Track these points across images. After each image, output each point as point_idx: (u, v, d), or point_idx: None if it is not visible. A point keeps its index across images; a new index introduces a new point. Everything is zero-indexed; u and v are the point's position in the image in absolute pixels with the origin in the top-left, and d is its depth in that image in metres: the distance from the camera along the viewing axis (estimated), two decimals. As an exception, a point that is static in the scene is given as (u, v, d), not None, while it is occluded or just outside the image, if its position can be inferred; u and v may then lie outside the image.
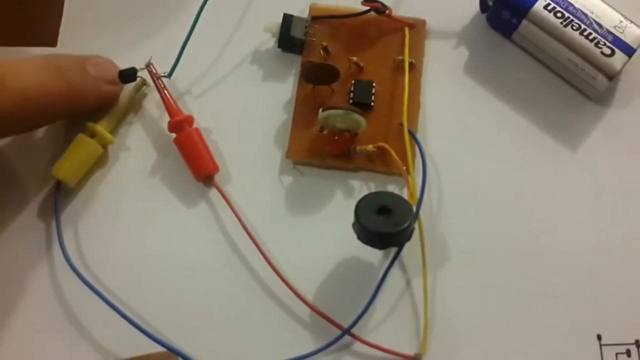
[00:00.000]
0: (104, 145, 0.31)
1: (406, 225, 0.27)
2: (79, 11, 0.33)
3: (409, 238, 0.28)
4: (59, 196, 0.30)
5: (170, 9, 0.33)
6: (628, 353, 0.28)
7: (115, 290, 0.29)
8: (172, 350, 0.28)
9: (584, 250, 0.30)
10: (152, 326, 0.28)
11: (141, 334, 0.28)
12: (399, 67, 0.32)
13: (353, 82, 0.32)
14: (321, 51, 0.32)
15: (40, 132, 0.31)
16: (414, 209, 0.28)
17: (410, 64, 0.32)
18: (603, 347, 0.28)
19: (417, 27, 0.33)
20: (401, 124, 0.31)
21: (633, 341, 0.28)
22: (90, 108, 0.31)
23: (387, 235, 0.27)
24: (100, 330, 0.28)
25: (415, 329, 0.28)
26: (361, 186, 0.31)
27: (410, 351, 0.28)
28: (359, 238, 0.27)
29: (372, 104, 0.32)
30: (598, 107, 0.32)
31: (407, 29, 0.33)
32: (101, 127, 0.30)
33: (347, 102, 0.32)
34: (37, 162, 0.31)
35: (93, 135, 0.30)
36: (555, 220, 0.30)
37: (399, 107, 0.31)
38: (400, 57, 0.32)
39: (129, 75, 0.31)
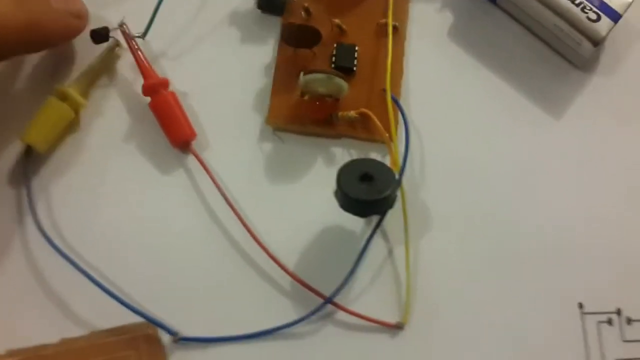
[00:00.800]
0: (76, 109, 0.29)
1: (388, 192, 0.26)
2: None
3: (391, 206, 0.27)
4: (29, 162, 0.29)
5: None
6: (609, 321, 0.28)
7: (91, 260, 0.28)
8: (150, 321, 0.27)
9: (566, 218, 0.30)
10: (130, 296, 0.28)
11: (119, 305, 0.27)
12: (382, 31, 0.31)
13: (335, 45, 0.31)
14: (303, 13, 0.31)
15: (8, 96, 0.30)
16: (397, 176, 0.27)
17: (394, 28, 0.31)
18: (584, 316, 0.28)
19: (401, -10, 0.32)
20: (384, 90, 0.30)
21: (615, 309, 0.29)
22: (52, 42, 0.29)
23: (369, 203, 0.26)
24: (77, 301, 0.28)
25: (397, 297, 0.28)
26: (343, 153, 0.30)
27: (392, 320, 0.28)
28: (341, 206, 0.27)
29: (355, 68, 0.31)
30: (583, 74, 0.32)
31: (391, -9, 0.32)
32: (72, 90, 0.29)
33: (329, 66, 0.31)
34: (4, 127, 0.29)
35: (64, 98, 0.29)
36: (538, 188, 0.30)
37: (382, 72, 0.30)
38: (384, 20, 0.31)
39: (101, 35, 0.29)
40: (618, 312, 0.29)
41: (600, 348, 0.28)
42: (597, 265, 0.29)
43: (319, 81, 0.29)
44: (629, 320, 0.28)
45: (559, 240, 0.29)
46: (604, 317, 0.28)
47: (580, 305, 0.29)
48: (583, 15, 0.30)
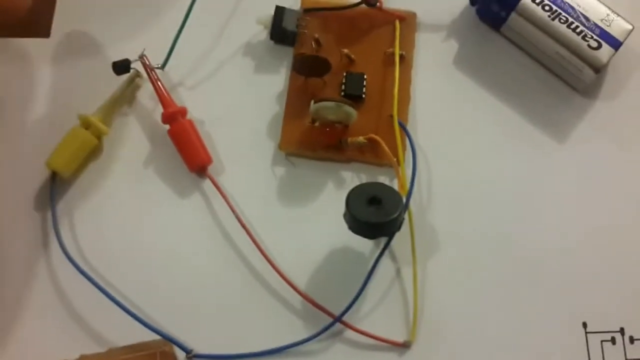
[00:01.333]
0: (98, 136, 0.31)
1: (396, 215, 0.27)
2: (72, 2, 0.33)
3: (399, 228, 0.28)
4: (54, 187, 0.30)
5: (163, 0, 0.34)
6: (613, 341, 0.29)
7: (111, 280, 0.29)
8: (166, 338, 0.28)
9: (570, 240, 0.30)
10: (147, 315, 0.29)
11: (136, 323, 0.28)
12: (389, 60, 0.33)
13: (345, 74, 0.32)
14: (313, 43, 0.33)
15: (35, 123, 0.32)
16: (404, 199, 0.29)
17: (401, 57, 0.33)
18: (588, 335, 0.29)
19: (407, 20, 0.33)
20: (392, 116, 0.31)
21: (618, 329, 0.29)
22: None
23: (377, 225, 0.27)
24: (96, 319, 0.29)
25: (404, 317, 0.29)
26: (352, 177, 0.31)
27: (399, 338, 0.28)
28: (350, 228, 0.28)
29: (364, 96, 0.32)
30: (585, 99, 0.33)
31: (397, 22, 0.33)
32: (95, 118, 0.31)
33: (338, 94, 0.32)
34: (32, 155, 0.31)
35: (87, 126, 0.31)
36: (542, 210, 0.31)
37: (389, 99, 0.32)
38: (391, 50, 0.33)
39: (122, 66, 0.31)
40: (621, 331, 0.29)
41: (604, 367, 0.29)
42: (601, 285, 0.30)
43: (329, 109, 0.30)
44: (632, 339, 0.29)
45: (564, 261, 0.30)
46: (608, 337, 0.29)
47: (585, 325, 0.29)
48: (584, 44, 0.31)
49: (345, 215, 0.28)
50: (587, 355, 0.29)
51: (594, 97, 0.33)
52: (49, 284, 0.29)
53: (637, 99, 0.33)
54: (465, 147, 0.32)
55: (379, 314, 0.29)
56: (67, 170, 0.31)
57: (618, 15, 0.32)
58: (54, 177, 0.31)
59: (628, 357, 0.29)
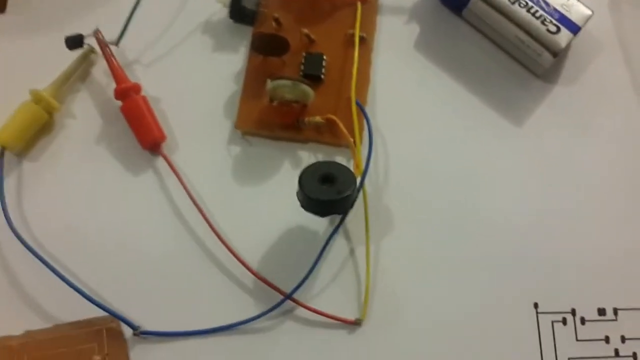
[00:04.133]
0: (50, 111, 0.31)
1: (348, 193, 0.27)
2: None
3: (350, 206, 0.28)
4: (2, 162, 0.30)
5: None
6: (564, 321, 0.29)
7: (59, 257, 0.29)
8: (113, 315, 0.28)
9: (523, 221, 0.30)
10: (94, 291, 0.28)
11: (83, 299, 0.28)
12: (350, 41, 0.32)
13: (304, 54, 0.32)
14: (273, 22, 0.32)
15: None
16: (358, 179, 0.28)
17: (361, 38, 0.32)
18: (540, 315, 0.29)
19: (369, 2, 0.33)
20: (350, 97, 0.31)
21: (569, 310, 0.29)
22: None
23: (329, 203, 0.27)
24: (43, 296, 0.28)
25: (356, 295, 0.29)
26: (309, 157, 0.31)
27: (351, 316, 0.28)
28: (302, 206, 0.28)
29: (323, 76, 0.32)
30: (544, 83, 0.33)
31: (359, 3, 0.33)
32: (46, 93, 0.30)
33: (297, 74, 0.32)
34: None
35: (38, 101, 0.30)
36: (497, 193, 0.31)
37: (348, 80, 0.31)
38: (352, 31, 0.32)
39: (75, 41, 0.31)
40: (572, 312, 0.29)
41: (554, 347, 0.29)
42: (553, 267, 0.30)
43: (286, 87, 0.30)
44: (583, 320, 0.29)
45: (516, 243, 0.30)
46: (559, 317, 0.29)
47: (536, 305, 0.29)
48: (543, 28, 0.31)
49: (298, 193, 0.28)
50: (537, 335, 0.29)
51: (553, 81, 0.33)
52: (-6, 259, 0.29)
53: (595, 84, 0.33)
54: (423, 130, 0.32)
55: (330, 292, 0.29)
56: (16, 145, 0.30)
57: (578, 0, 0.32)
58: (2, 152, 0.30)
59: (579, 338, 0.29)
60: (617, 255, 0.30)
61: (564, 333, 0.29)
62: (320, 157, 0.31)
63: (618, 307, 0.29)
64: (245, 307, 0.28)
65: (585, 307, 0.29)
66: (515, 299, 0.29)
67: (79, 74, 0.32)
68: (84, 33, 0.31)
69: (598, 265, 0.30)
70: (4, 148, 0.30)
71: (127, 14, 0.31)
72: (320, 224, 0.30)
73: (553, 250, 0.30)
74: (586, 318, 0.29)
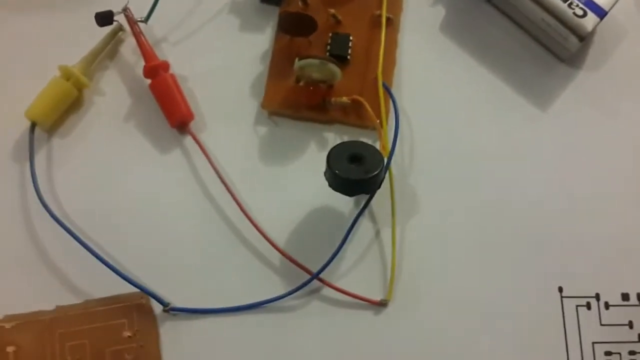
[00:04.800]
0: (79, 88, 0.31)
1: (376, 172, 0.27)
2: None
3: (378, 186, 0.28)
4: (33, 138, 0.30)
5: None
6: (588, 306, 0.29)
7: (89, 233, 0.29)
8: (143, 291, 0.28)
9: (549, 205, 0.30)
10: (125, 267, 0.29)
11: (114, 275, 0.28)
12: (376, 22, 0.32)
13: (330, 34, 0.32)
14: (300, 2, 0.32)
15: (14, 74, 0.31)
16: (385, 159, 0.28)
17: (388, 19, 0.32)
18: (564, 299, 0.29)
19: (396, -17, 0.33)
20: (376, 79, 0.31)
21: (593, 294, 0.29)
22: None
23: (356, 182, 0.27)
24: (73, 271, 0.29)
25: (382, 276, 0.29)
26: (335, 138, 0.31)
27: (377, 297, 0.29)
28: (330, 185, 0.28)
29: (349, 57, 0.32)
30: (569, 68, 0.33)
31: (385, -16, 0.33)
32: (76, 70, 0.30)
33: (324, 54, 0.32)
34: (12, 106, 0.30)
35: (68, 77, 0.30)
36: (522, 176, 0.31)
37: (375, 61, 0.32)
38: (378, 12, 0.32)
39: (105, 17, 0.31)
40: (597, 297, 0.29)
41: (578, 331, 0.29)
42: (578, 251, 0.30)
43: (313, 66, 0.30)
44: (607, 305, 0.29)
45: (543, 226, 0.30)
46: (583, 302, 0.29)
47: (560, 289, 0.29)
48: (570, 11, 0.31)
49: (325, 173, 0.28)
50: (562, 319, 0.29)
51: (578, 66, 0.33)
52: (26, 235, 0.29)
53: (621, 68, 0.33)
54: (449, 113, 0.32)
55: (357, 273, 0.29)
56: (46, 121, 0.30)
57: (605, -15, 0.32)
58: (33, 128, 0.30)
59: (603, 323, 0.29)
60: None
61: (588, 317, 0.29)
62: (346, 139, 0.31)
63: (641, 292, 0.30)
64: (272, 285, 0.29)
65: (609, 292, 0.29)
66: (540, 282, 0.29)
67: (108, 51, 0.32)
68: (113, 9, 0.31)
69: (623, 250, 0.30)
70: (34, 124, 0.30)
71: (156, -8, 0.31)
72: (346, 205, 0.30)
73: (578, 235, 0.30)
74: (610, 303, 0.29)
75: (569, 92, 0.32)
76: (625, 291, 0.30)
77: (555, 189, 0.31)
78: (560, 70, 0.33)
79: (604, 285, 0.29)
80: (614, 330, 0.29)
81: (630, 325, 0.29)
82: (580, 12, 0.31)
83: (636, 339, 0.29)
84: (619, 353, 0.29)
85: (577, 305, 0.29)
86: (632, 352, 0.29)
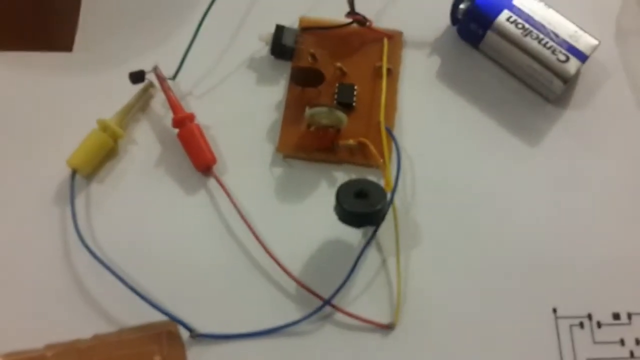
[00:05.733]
0: (115, 138, 0.34)
1: (380, 206, 0.30)
2: (93, 19, 0.37)
3: (382, 219, 0.31)
4: (74, 184, 0.34)
5: (176, 17, 0.37)
6: (581, 325, 0.32)
7: (123, 267, 0.32)
8: (173, 319, 0.31)
9: (541, 234, 0.33)
10: (155, 298, 0.32)
11: (146, 305, 0.31)
12: (378, 73, 0.36)
13: (337, 85, 0.36)
14: (309, 57, 0.36)
15: (57, 126, 0.35)
16: (388, 194, 0.32)
17: (388, 70, 0.36)
18: (558, 320, 0.32)
19: (394, 38, 0.37)
20: (380, 122, 0.34)
21: (586, 314, 0.32)
22: None
23: (363, 215, 0.31)
24: (109, 302, 0.32)
25: (389, 301, 0.32)
26: (344, 177, 0.34)
27: (384, 320, 0.31)
28: (339, 218, 0.31)
29: (354, 104, 0.35)
30: (556, 108, 0.36)
31: (385, 39, 0.36)
32: (112, 122, 0.34)
33: (331, 102, 0.35)
34: (55, 155, 0.34)
35: (105, 129, 0.34)
36: (515, 207, 0.34)
37: (377, 107, 0.35)
38: (380, 64, 0.36)
39: (137, 76, 0.34)
40: (589, 316, 0.32)
41: (573, 349, 0.31)
42: (570, 275, 0.32)
43: (322, 113, 0.34)
44: (599, 324, 0.31)
45: (536, 252, 0.33)
46: (576, 321, 0.32)
47: (555, 310, 0.32)
48: (553, 57, 0.35)
49: (335, 208, 0.31)
50: (557, 338, 0.31)
51: (564, 106, 0.36)
52: (67, 270, 0.32)
53: (604, 108, 0.36)
54: (446, 151, 0.35)
55: (365, 298, 0.32)
56: (85, 168, 0.34)
57: (585, 31, 0.35)
58: (74, 175, 0.34)
59: (596, 341, 0.31)
60: (628, 262, 0.33)
61: (582, 336, 0.31)
62: (354, 176, 0.34)
63: (632, 311, 0.32)
64: (289, 311, 0.31)
65: (601, 311, 0.32)
66: (536, 305, 0.32)
67: (140, 105, 0.35)
68: (144, 68, 0.35)
69: (612, 272, 0.32)
70: (75, 171, 0.34)
71: (182, 51, 0.35)
72: (354, 236, 0.33)
73: (570, 260, 0.33)
74: (602, 322, 0.31)
75: (556, 130, 0.35)
76: (616, 311, 0.32)
77: (546, 218, 0.33)
78: (547, 110, 0.36)
79: (595, 305, 0.32)
80: (607, 348, 0.31)
81: (622, 342, 0.31)
82: (563, 58, 0.35)
83: (627, 355, 0.31)
84: (613, 369, 0.31)
85: (571, 325, 0.31)
86: (625, 368, 0.31)
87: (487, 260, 0.33)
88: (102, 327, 0.31)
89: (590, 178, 0.34)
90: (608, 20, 0.38)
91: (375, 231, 0.32)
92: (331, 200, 0.31)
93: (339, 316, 0.31)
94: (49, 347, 0.31)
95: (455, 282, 0.32)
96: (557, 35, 0.35)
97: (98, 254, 0.32)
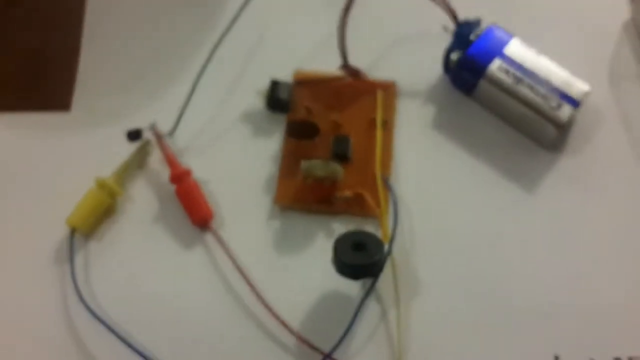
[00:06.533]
0: (113, 196, 0.35)
1: (377, 258, 0.30)
2: (91, 78, 0.38)
3: (381, 269, 0.31)
4: (73, 242, 0.34)
5: (172, 74, 0.38)
6: (583, 372, 0.31)
7: (122, 323, 0.32)
8: (171, 377, 0.31)
9: (541, 281, 0.33)
10: (155, 355, 0.32)
11: (144, 362, 0.31)
12: (373, 124, 0.36)
13: (333, 137, 0.36)
14: (304, 111, 0.37)
15: (56, 185, 0.36)
16: (386, 245, 0.32)
17: (383, 121, 0.36)
18: (561, 367, 0.31)
19: (388, 88, 0.37)
20: (376, 173, 0.35)
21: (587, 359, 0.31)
22: None
23: (360, 267, 0.31)
24: (107, 358, 0.32)
25: (390, 353, 0.31)
26: (341, 228, 0.34)
27: (385, 374, 0.31)
28: (337, 271, 0.31)
29: (350, 156, 0.36)
30: (551, 154, 0.36)
31: (379, 91, 0.37)
32: (110, 181, 0.35)
33: (328, 155, 0.36)
34: (54, 214, 0.34)
35: (103, 187, 0.35)
36: (515, 255, 0.34)
37: (373, 158, 0.35)
38: (374, 116, 0.36)
39: (135, 134, 0.35)
40: (592, 363, 0.31)
41: (577, 396, 0.31)
42: (571, 322, 0.32)
43: (318, 166, 0.34)
44: (602, 370, 0.31)
45: (537, 300, 0.32)
46: (579, 368, 0.31)
47: (557, 358, 0.31)
48: (546, 104, 0.35)
49: (333, 260, 0.31)
50: (561, 387, 0.31)
51: (559, 152, 0.36)
52: (65, 326, 0.32)
53: (599, 152, 0.36)
54: (443, 200, 0.35)
55: (366, 352, 0.31)
56: (84, 227, 0.34)
57: (577, 78, 0.35)
58: (72, 233, 0.34)
59: (600, 387, 0.31)
60: (628, 309, 0.32)
61: (585, 382, 0.31)
62: (351, 227, 0.34)
63: (632, 356, 0.31)
64: (289, 366, 0.31)
65: (602, 357, 0.31)
66: (539, 352, 0.31)
67: (138, 162, 0.36)
68: (142, 125, 0.35)
69: (612, 318, 0.32)
70: (74, 230, 0.34)
71: (179, 107, 0.36)
72: (353, 288, 0.33)
73: (570, 307, 0.32)
74: (604, 368, 0.31)
75: (552, 176, 0.35)
76: (617, 356, 0.31)
77: (545, 264, 0.33)
78: (542, 156, 0.36)
79: (597, 351, 0.31)
80: None
81: None
82: (555, 104, 0.35)
83: None
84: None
85: (574, 373, 0.31)
86: (629, 414, 0.30)
87: (488, 309, 0.32)
88: (102, 386, 0.31)
89: (588, 224, 0.34)
90: (601, 66, 0.38)
91: (374, 282, 0.32)
92: (329, 251, 0.31)
93: (340, 370, 0.31)
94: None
95: (456, 332, 0.32)
96: (549, 83, 0.35)
97: (97, 311, 0.32)
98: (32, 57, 0.39)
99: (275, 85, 0.37)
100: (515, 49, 0.36)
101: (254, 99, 0.37)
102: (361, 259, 0.30)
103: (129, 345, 0.31)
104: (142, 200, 0.35)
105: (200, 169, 0.36)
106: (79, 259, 0.34)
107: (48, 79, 0.38)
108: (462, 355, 0.31)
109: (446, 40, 0.37)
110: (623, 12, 0.39)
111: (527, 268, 0.33)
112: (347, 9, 0.35)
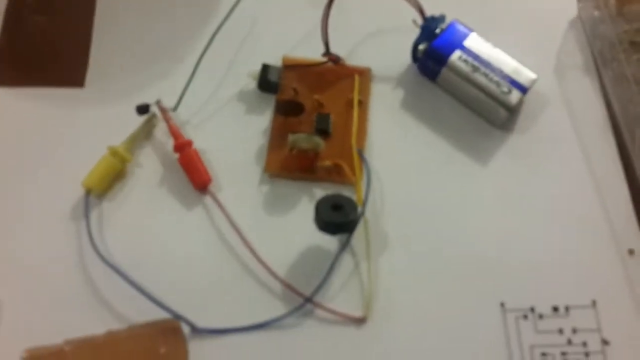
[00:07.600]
0: (123, 163, 0.39)
1: (352, 217, 0.36)
2: (103, 58, 0.43)
3: (355, 227, 0.37)
4: (88, 202, 0.39)
5: (176, 57, 0.43)
6: (525, 317, 0.36)
7: (132, 272, 0.37)
8: (175, 316, 0.36)
9: (491, 240, 0.38)
10: (161, 297, 0.36)
11: (152, 304, 0.36)
12: (350, 104, 0.41)
13: (316, 114, 0.41)
14: (292, 91, 0.41)
15: (74, 152, 0.40)
16: (360, 207, 0.37)
17: (359, 102, 0.41)
18: (506, 313, 0.36)
19: (364, 74, 0.42)
20: (352, 146, 0.40)
21: (529, 307, 0.37)
22: None
23: (338, 224, 0.36)
24: (119, 301, 0.36)
25: (361, 298, 0.37)
26: (321, 193, 0.39)
27: (358, 314, 0.36)
28: (318, 228, 0.36)
29: (330, 131, 0.41)
30: (502, 133, 0.41)
31: (356, 75, 0.42)
32: (121, 149, 0.39)
33: (311, 130, 0.41)
34: (71, 177, 0.39)
35: (115, 155, 0.39)
36: (469, 218, 0.39)
37: (350, 133, 0.40)
38: (352, 96, 0.41)
39: (142, 108, 0.40)
40: (532, 309, 0.37)
41: (518, 337, 0.36)
42: (515, 273, 0.37)
43: (303, 139, 0.39)
44: (540, 316, 0.36)
45: (486, 256, 0.38)
46: (521, 314, 0.37)
47: (502, 305, 0.37)
48: (498, 90, 0.40)
49: (314, 218, 0.36)
50: (504, 328, 0.36)
51: (509, 131, 0.41)
52: (82, 275, 0.37)
53: (543, 132, 0.41)
54: (409, 170, 0.40)
55: (341, 296, 0.36)
56: (98, 188, 0.39)
57: (526, 67, 0.41)
58: (88, 194, 0.39)
59: (538, 330, 0.36)
60: (564, 263, 0.38)
61: (526, 326, 0.36)
62: (330, 192, 0.39)
63: (569, 305, 0.36)
64: (275, 307, 0.36)
65: (542, 305, 0.36)
66: (487, 300, 0.36)
67: (145, 133, 0.40)
68: (149, 102, 0.40)
69: (550, 272, 0.37)
70: (89, 191, 0.39)
71: (181, 86, 0.40)
72: (331, 243, 0.38)
73: (514, 261, 0.37)
74: (543, 314, 0.36)
75: (502, 152, 0.40)
76: (555, 304, 0.37)
77: (494, 226, 0.38)
78: (494, 135, 0.41)
79: (537, 300, 0.36)
80: (548, 336, 0.36)
81: (560, 331, 0.36)
82: (506, 90, 0.40)
83: (565, 342, 0.36)
84: (553, 354, 0.36)
85: (516, 317, 0.36)
86: (563, 353, 0.36)
87: (444, 263, 0.38)
88: (114, 324, 0.35)
89: (531, 192, 0.40)
90: (549, 57, 0.43)
91: (349, 238, 0.38)
92: (311, 212, 0.36)
93: (318, 311, 0.36)
94: (67, 342, 0.34)
95: (417, 281, 0.37)
96: (501, 71, 0.41)
97: (110, 261, 0.37)
98: (49, 39, 0.43)
99: (266, 68, 0.41)
100: (474, 42, 0.41)
101: (247, 80, 0.42)
102: (338, 218, 0.36)
103: (138, 288, 0.36)
104: (149, 166, 0.40)
105: (200, 140, 0.40)
106: (93, 216, 0.38)
107: (64, 59, 0.43)
108: (422, 301, 0.37)
109: (415, 33, 0.42)
110: (571, 10, 0.45)
111: (479, 228, 0.39)
112: (329, 5, 0.40)
